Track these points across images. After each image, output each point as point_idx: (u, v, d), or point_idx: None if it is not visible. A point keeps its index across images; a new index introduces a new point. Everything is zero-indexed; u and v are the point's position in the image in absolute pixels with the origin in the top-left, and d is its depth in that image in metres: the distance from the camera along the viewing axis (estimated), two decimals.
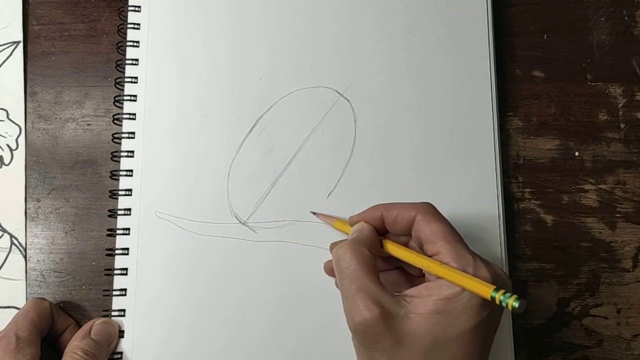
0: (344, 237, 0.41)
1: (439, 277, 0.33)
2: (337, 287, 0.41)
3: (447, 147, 0.44)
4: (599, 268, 0.45)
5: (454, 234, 0.34)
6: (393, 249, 0.37)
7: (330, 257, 0.41)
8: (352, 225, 0.39)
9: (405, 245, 0.37)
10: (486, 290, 0.31)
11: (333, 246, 0.41)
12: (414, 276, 0.39)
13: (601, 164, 0.46)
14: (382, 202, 0.38)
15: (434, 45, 0.46)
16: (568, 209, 0.46)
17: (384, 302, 0.32)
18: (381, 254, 0.37)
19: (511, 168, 0.46)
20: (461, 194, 0.44)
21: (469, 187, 0.44)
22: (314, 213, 0.43)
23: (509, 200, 0.46)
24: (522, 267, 0.45)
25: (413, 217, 0.35)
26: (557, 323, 0.44)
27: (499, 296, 0.31)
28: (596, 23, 0.48)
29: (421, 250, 0.36)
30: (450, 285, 0.32)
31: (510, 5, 0.48)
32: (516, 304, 0.30)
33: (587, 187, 0.46)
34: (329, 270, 0.41)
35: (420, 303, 0.32)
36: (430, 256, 0.34)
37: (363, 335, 0.33)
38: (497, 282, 0.32)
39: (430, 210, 0.36)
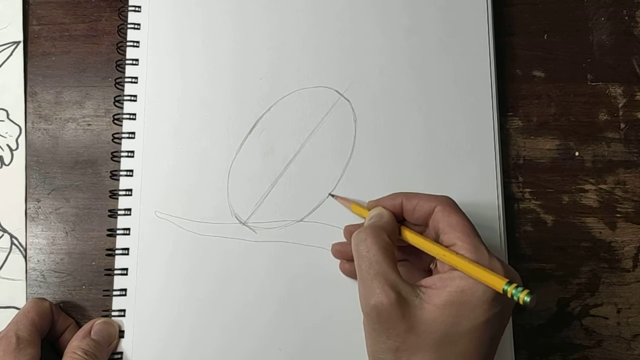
0: (358, 220, 0.41)
1: (453, 268, 0.33)
2: (342, 270, 0.41)
3: (447, 147, 0.44)
4: (599, 268, 0.45)
5: (472, 228, 0.35)
6: (411, 236, 0.37)
7: (341, 239, 0.42)
8: (369, 210, 0.39)
9: (421, 234, 0.38)
10: (499, 283, 0.31)
11: (348, 229, 0.41)
12: (421, 271, 0.39)
13: (601, 164, 0.46)
14: None
15: (435, 45, 0.46)
16: (568, 209, 0.46)
17: (401, 288, 0.33)
18: (398, 242, 0.38)
19: (511, 168, 0.46)
20: (461, 193, 0.43)
21: (469, 187, 0.44)
22: (332, 195, 0.43)
23: (509, 200, 0.46)
24: (523, 267, 0.45)
25: (433, 207, 0.36)
26: (557, 323, 0.44)
27: (511, 289, 0.31)
28: (596, 23, 0.48)
29: (437, 240, 0.36)
30: (463, 277, 0.33)
31: (510, 5, 0.48)
32: (527, 299, 0.30)
33: (587, 187, 0.46)
34: (337, 252, 0.42)
35: (435, 294, 0.33)
36: (446, 247, 0.35)
37: (377, 319, 0.33)
38: (510, 279, 0.32)
39: (450, 202, 0.36)
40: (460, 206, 0.36)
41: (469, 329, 0.32)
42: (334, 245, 0.42)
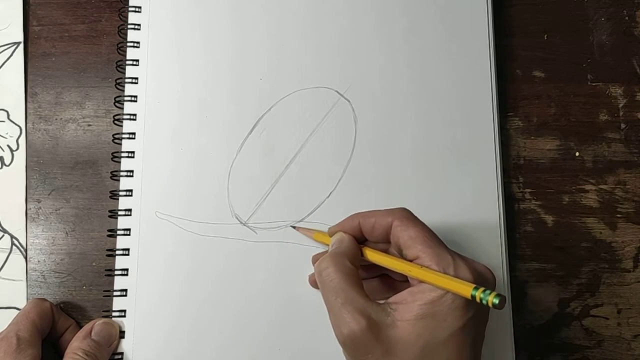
0: (325, 248, 0.41)
1: (421, 281, 0.33)
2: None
3: (448, 147, 0.44)
4: (600, 268, 0.45)
5: (432, 237, 0.34)
6: (373, 256, 0.37)
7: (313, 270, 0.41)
8: (331, 236, 0.39)
9: (385, 251, 0.37)
10: (466, 290, 0.31)
11: (315, 259, 0.41)
12: (399, 281, 0.39)
13: (602, 164, 0.46)
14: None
15: (435, 46, 0.46)
16: (568, 209, 0.46)
17: (370, 312, 0.32)
18: (362, 262, 0.37)
19: (511, 168, 0.46)
20: (461, 194, 0.44)
21: (470, 188, 0.44)
22: (294, 227, 0.43)
23: (509, 200, 0.46)
24: (523, 268, 0.45)
25: (390, 223, 0.35)
26: (557, 323, 0.44)
27: (479, 294, 0.31)
28: (596, 23, 0.48)
29: (401, 255, 0.36)
30: (433, 288, 0.32)
31: (510, 5, 0.48)
32: (496, 301, 0.30)
33: (587, 187, 0.46)
34: (314, 283, 0.41)
35: (406, 309, 0.32)
36: (410, 261, 0.34)
37: (352, 348, 0.33)
38: (479, 280, 0.32)
39: (406, 215, 0.36)
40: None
41: (446, 338, 0.32)
42: (310, 277, 0.41)
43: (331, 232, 0.39)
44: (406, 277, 0.36)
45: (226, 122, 0.44)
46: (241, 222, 0.43)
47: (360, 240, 0.38)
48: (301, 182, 0.44)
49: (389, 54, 0.46)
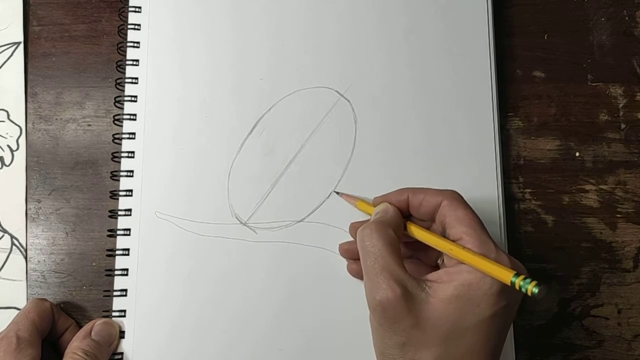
0: (363, 218, 0.41)
1: (460, 262, 0.33)
2: (349, 272, 0.41)
3: (448, 147, 0.44)
4: (600, 268, 0.45)
5: (479, 222, 0.35)
6: (417, 231, 0.37)
7: (348, 238, 0.42)
8: (375, 206, 0.39)
9: (428, 229, 0.37)
10: (507, 275, 0.31)
11: (354, 226, 0.41)
12: (429, 267, 0.39)
13: (602, 165, 0.46)
14: None
15: (435, 46, 0.46)
16: (569, 209, 0.46)
17: (406, 283, 0.33)
18: (404, 237, 0.38)
19: (512, 168, 0.46)
20: (462, 194, 0.43)
21: (470, 188, 0.44)
22: (337, 193, 0.43)
23: (509, 200, 0.45)
24: None
25: (439, 202, 0.36)
26: (558, 323, 0.44)
27: (519, 281, 0.31)
28: (597, 23, 0.48)
29: (444, 236, 0.36)
30: (470, 271, 0.33)
31: (511, 5, 0.48)
32: (536, 290, 0.30)
33: (587, 187, 0.46)
34: (345, 252, 0.42)
35: (441, 288, 0.33)
36: (453, 241, 0.35)
37: (383, 314, 0.33)
38: (518, 271, 0.32)
39: (456, 197, 0.36)
40: None
41: (476, 323, 0.32)
42: (341, 245, 0.42)
43: (376, 202, 0.39)
44: (436, 264, 0.36)
45: (226, 122, 0.44)
46: (241, 222, 0.43)
47: (404, 215, 0.38)
48: (301, 182, 0.44)
49: (389, 54, 0.46)
